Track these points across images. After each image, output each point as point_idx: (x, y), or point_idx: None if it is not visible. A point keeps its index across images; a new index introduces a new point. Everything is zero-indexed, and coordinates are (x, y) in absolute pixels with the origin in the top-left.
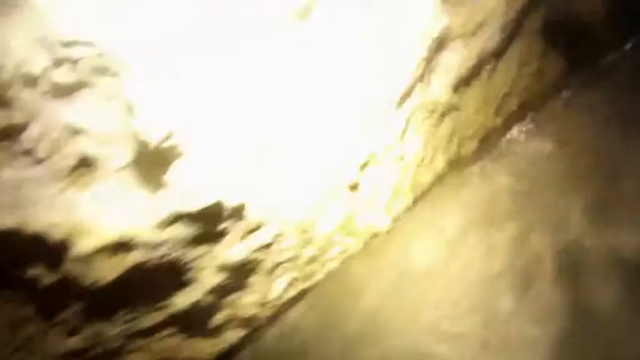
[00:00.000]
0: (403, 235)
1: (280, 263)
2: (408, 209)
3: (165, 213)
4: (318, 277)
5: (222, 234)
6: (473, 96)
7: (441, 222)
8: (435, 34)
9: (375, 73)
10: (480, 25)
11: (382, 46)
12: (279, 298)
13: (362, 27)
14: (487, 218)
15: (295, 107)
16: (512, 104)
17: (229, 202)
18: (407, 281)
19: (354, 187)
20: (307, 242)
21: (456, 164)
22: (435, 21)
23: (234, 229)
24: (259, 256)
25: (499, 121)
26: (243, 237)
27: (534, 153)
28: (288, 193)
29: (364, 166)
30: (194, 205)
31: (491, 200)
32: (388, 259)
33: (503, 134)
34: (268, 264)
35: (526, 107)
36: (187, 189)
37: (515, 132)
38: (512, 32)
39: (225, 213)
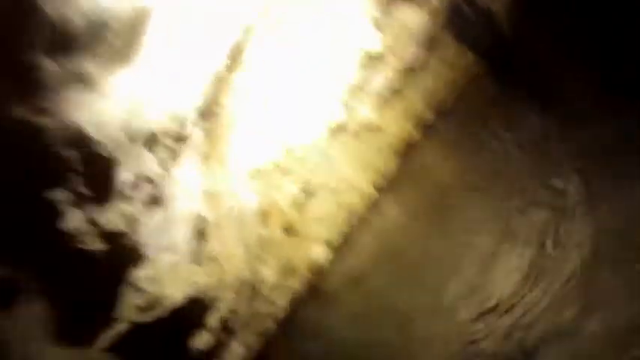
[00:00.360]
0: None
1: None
2: (344, 235)
3: None
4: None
5: None
6: (390, 112)
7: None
8: (369, 55)
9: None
10: (405, 43)
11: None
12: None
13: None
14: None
15: None
16: (425, 114)
17: None
18: None
19: (291, 230)
20: (258, 300)
21: (381, 184)
22: (369, 41)
23: None
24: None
25: (414, 132)
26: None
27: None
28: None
29: (302, 204)
30: None
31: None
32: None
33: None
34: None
35: (440, 116)
36: None
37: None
38: (430, 46)
39: None
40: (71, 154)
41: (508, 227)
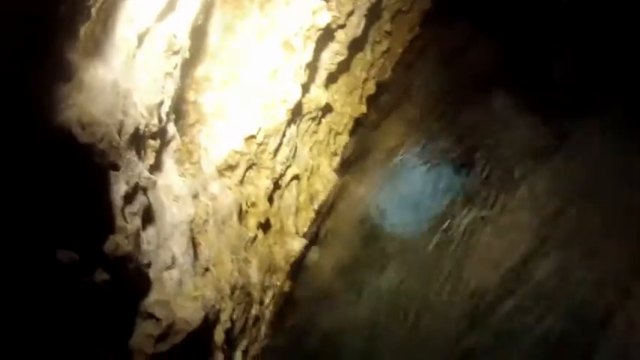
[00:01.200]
0: None
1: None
2: (312, 222)
3: None
4: (263, 332)
5: None
6: (339, 90)
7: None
8: (319, 31)
9: None
10: (349, 16)
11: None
12: None
13: None
14: None
15: None
16: (371, 88)
17: None
18: None
19: (267, 225)
20: (249, 304)
21: (339, 167)
22: (318, 15)
23: None
24: None
25: (364, 108)
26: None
27: None
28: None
29: (271, 195)
30: None
31: None
32: None
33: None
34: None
35: (381, 87)
36: None
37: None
38: (371, 17)
39: None
40: (63, 168)
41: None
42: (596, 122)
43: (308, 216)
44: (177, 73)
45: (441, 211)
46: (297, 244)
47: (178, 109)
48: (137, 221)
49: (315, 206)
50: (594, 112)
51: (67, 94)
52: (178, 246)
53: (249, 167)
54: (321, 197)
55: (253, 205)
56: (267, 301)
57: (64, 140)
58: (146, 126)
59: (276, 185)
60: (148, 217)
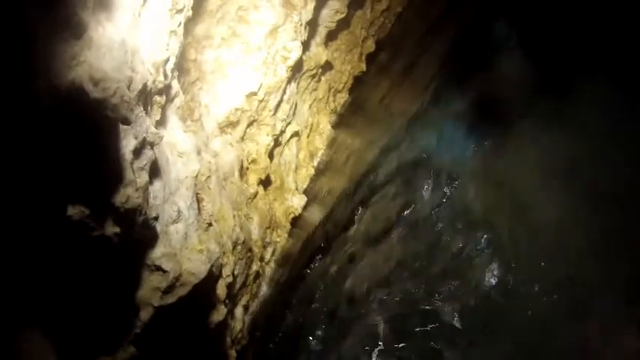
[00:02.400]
0: None
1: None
2: (312, 179)
3: None
4: (263, 288)
5: None
6: (339, 48)
7: None
8: None
9: None
10: None
11: None
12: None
13: None
14: None
15: None
16: (370, 46)
17: None
18: None
19: (267, 181)
20: (249, 259)
21: (338, 123)
22: None
23: None
24: None
25: (363, 66)
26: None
27: None
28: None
29: (272, 152)
30: None
31: None
32: None
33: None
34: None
35: (380, 46)
36: None
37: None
38: None
39: None
40: (73, 125)
41: None
42: None
43: (308, 173)
44: (180, 31)
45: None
46: (297, 201)
47: (180, 67)
48: (145, 175)
49: (315, 163)
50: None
51: (77, 52)
52: (183, 200)
53: (250, 124)
54: (321, 154)
55: (254, 161)
56: (267, 257)
57: (75, 95)
58: (153, 82)
59: (277, 142)
60: (155, 171)
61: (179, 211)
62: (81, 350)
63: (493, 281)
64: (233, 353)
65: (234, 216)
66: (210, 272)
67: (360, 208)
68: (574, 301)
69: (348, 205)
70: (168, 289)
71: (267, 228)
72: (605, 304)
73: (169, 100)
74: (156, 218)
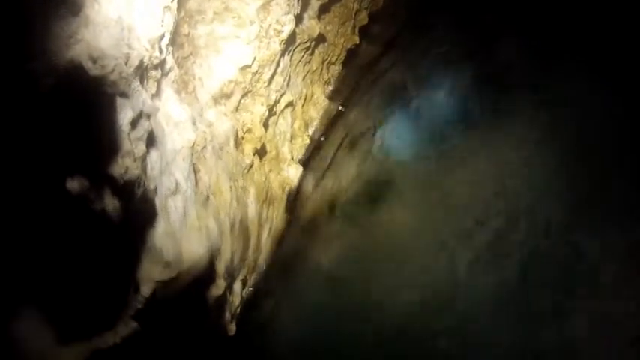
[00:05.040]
0: None
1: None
2: (307, 149)
3: None
4: (261, 263)
5: None
6: (332, 21)
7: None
8: None
9: None
10: None
11: None
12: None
13: None
14: None
15: None
16: (364, 19)
17: None
18: None
19: (263, 152)
20: (247, 234)
21: (334, 94)
22: None
23: None
24: None
25: (356, 39)
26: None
27: None
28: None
29: (266, 121)
30: None
31: None
32: None
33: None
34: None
35: (374, 18)
36: None
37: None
38: None
39: None
40: (72, 101)
41: None
42: None
43: (303, 142)
44: (174, 6)
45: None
46: (292, 172)
47: (174, 42)
48: (142, 146)
49: (310, 132)
50: None
51: (75, 30)
52: (180, 171)
53: (244, 95)
54: (316, 124)
55: (249, 131)
56: (264, 233)
57: (74, 73)
58: (149, 58)
59: (271, 112)
60: (152, 142)
61: (177, 183)
62: (82, 327)
63: None
64: (232, 327)
65: (230, 188)
66: (209, 250)
67: None
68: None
69: None
70: (168, 264)
71: (264, 202)
72: None
73: (164, 74)
74: (155, 190)
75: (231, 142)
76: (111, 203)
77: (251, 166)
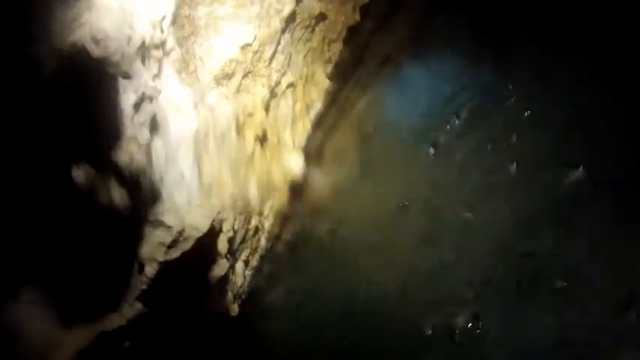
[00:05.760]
0: None
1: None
2: (309, 135)
3: None
4: (262, 242)
5: None
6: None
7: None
8: None
9: None
10: None
11: None
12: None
13: None
14: None
15: None
16: None
17: None
18: None
19: (264, 138)
20: (248, 215)
21: (334, 74)
22: None
23: None
24: None
25: (357, 16)
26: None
27: None
28: None
29: (268, 104)
30: None
31: None
32: None
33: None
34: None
35: None
36: None
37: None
38: None
39: None
40: (76, 83)
41: None
42: None
43: (305, 127)
44: None
45: None
46: (294, 160)
47: (174, 23)
48: (146, 132)
49: (312, 116)
50: None
51: (78, 13)
52: (184, 161)
53: (245, 75)
54: (317, 106)
55: (250, 115)
56: (266, 212)
57: (78, 55)
58: (151, 39)
59: (272, 93)
60: (155, 128)
61: (182, 173)
62: (88, 310)
63: None
64: (235, 307)
65: (232, 177)
66: (211, 226)
67: None
68: None
69: None
70: (172, 244)
71: (266, 188)
72: None
73: (166, 53)
74: (161, 180)
75: (233, 130)
76: (117, 192)
77: (252, 154)
